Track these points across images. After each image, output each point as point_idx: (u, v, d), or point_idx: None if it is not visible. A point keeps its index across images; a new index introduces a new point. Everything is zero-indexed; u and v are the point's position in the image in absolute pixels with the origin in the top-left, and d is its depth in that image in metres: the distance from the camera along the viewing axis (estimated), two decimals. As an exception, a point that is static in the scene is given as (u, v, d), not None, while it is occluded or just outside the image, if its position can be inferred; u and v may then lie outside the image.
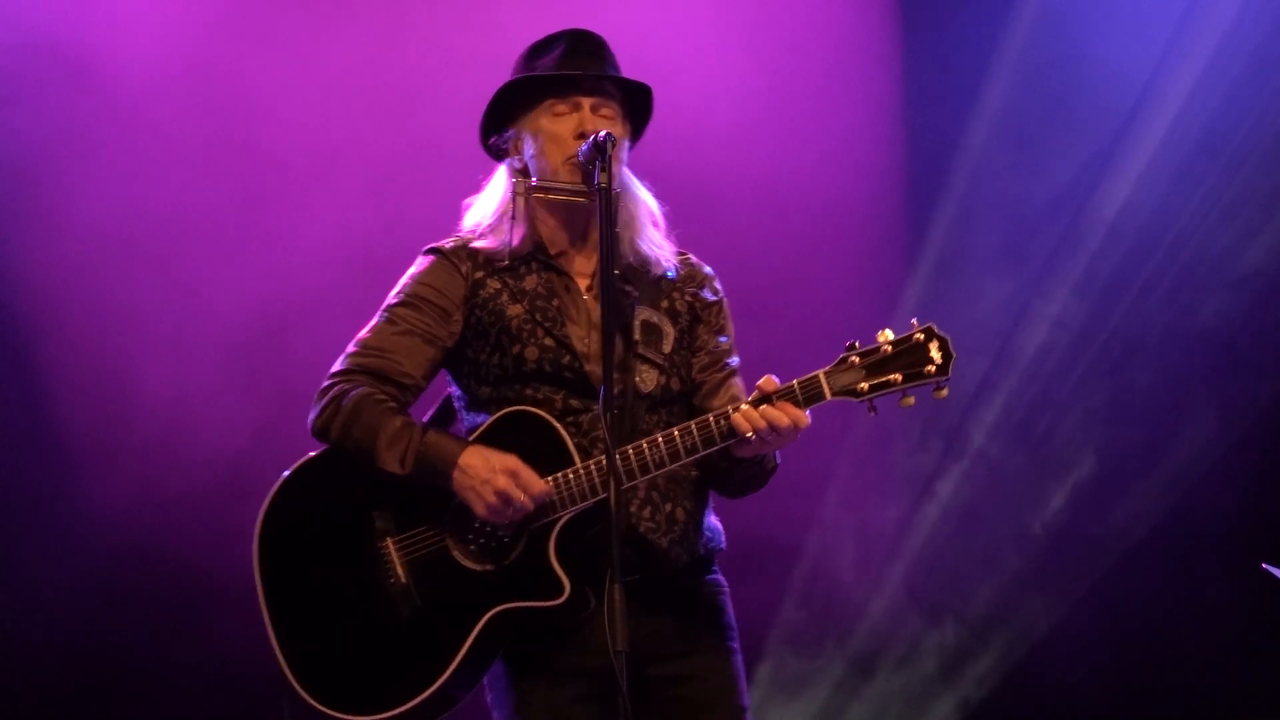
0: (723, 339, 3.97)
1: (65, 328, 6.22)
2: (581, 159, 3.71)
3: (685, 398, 3.89)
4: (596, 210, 3.61)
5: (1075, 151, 6.56)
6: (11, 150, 6.17)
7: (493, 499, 3.62)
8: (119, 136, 6.24)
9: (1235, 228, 6.44)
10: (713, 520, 3.93)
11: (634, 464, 3.64)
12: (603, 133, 3.64)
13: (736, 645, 3.89)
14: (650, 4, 6.53)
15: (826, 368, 3.60)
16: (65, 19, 6.22)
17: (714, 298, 3.99)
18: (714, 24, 6.63)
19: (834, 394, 3.58)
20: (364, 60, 6.40)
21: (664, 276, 3.93)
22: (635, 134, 3.99)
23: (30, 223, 6.21)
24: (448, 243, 3.95)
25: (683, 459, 3.65)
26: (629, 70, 3.96)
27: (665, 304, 3.92)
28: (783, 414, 3.56)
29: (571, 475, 3.66)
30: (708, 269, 4.04)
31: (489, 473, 3.63)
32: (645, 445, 3.64)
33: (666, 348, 3.86)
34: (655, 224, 3.95)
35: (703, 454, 3.65)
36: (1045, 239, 6.58)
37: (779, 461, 3.84)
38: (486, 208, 3.94)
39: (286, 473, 3.84)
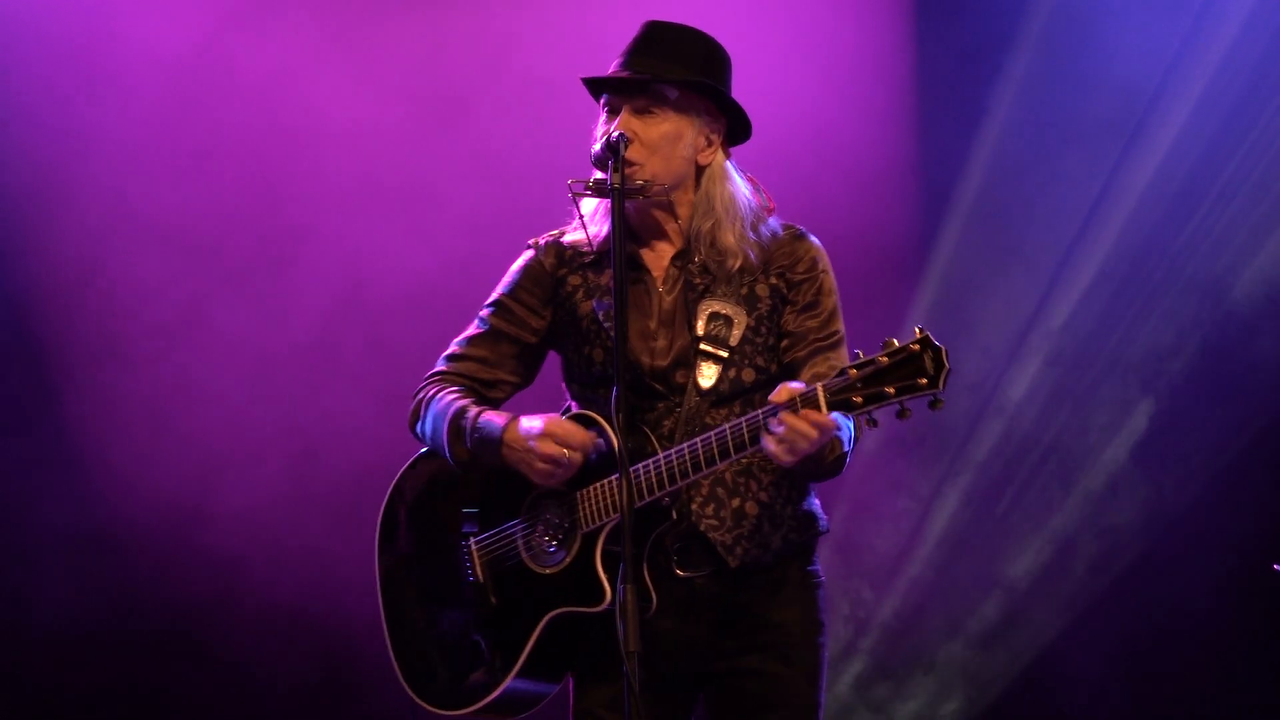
0: (813, 317, 3.82)
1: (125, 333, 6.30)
2: (594, 160, 3.71)
3: (768, 385, 3.70)
4: (667, 206, 3.71)
5: (1087, 156, 6.54)
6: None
7: (540, 465, 3.67)
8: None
9: (1246, 230, 6.42)
10: (805, 506, 3.83)
11: (661, 472, 3.60)
12: (615, 133, 3.65)
13: (823, 640, 3.81)
14: (660, 6, 6.52)
15: (827, 380, 3.46)
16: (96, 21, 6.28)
17: (806, 275, 3.84)
18: (723, 25, 6.61)
19: (831, 408, 3.44)
20: (414, 60, 6.45)
21: (749, 263, 3.82)
22: (734, 127, 3.86)
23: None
24: (544, 237, 3.97)
25: (703, 470, 3.59)
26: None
27: (744, 290, 3.82)
28: (798, 421, 3.44)
29: (616, 480, 3.60)
30: (812, 240, 3.89)
31: (529, 438, 3.67)
32: (674, 453, 3.60)
33: (734, 339, 3.78)
34: (748, 214, 3.84)
35: (718, 467, 3.60)
36: (1056, 244, 6.57)
37: (847, 449, 3.68)
38: (589, 203, 3.85)
39: (405, 465, 4.00)
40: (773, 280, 3.84)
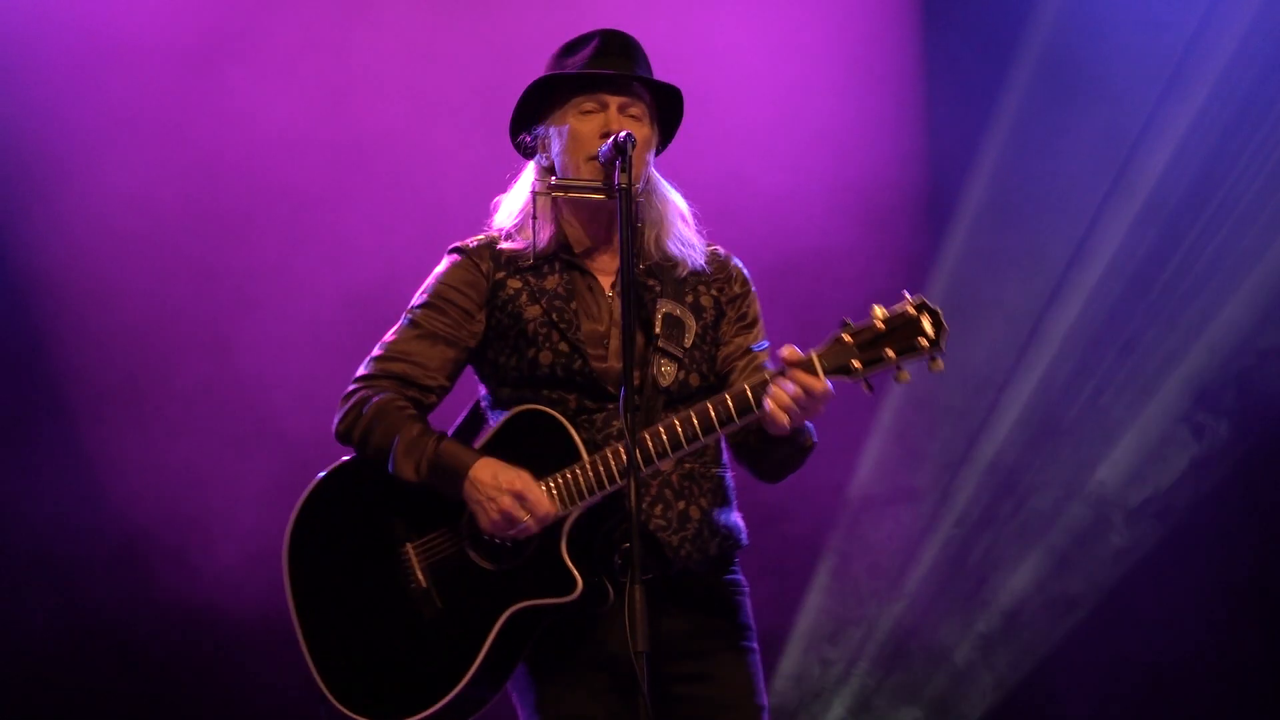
0: (748, 330, 3.95)
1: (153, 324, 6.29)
2: (602, 159, 3.71)
3: (707, 393, 3.83)
4: (626, 211, 3.63)
5: (1097, 146, 6.54)
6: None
7: (496, 516, 3.65)
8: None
9: (1261, 222, 6.42)
10: (734, 518, 3.91)
11: (651, 449, 3.63)
12: (623, 133, 3.64)
13: (754, 645, 3.88)
14: (674, 5, 6.53)
15: (818, 348, 3.57)
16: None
17: (740, 291, 3.97)
18: (734, 21, 6.63)
19: (828, 374, 3.54)
20: (411, 56, 6.44)
21: (690, 272, 3.91)
22: (666, 137, 3.98)
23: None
24: (471, 241, 3.95)
25: (700, 439, 3.63)
26: (661, 72, 3.96)
27: (690, 298, 3.90)
28: (796, 384, 3.52)
29: (579, 470, 3.67)
30: (736, 261, 4.02)
31: (495, 490, 3.64)
32: (662, 429, 3.63)
33: (687, 341, 3.84)
34: (685, 222, 3.93)
35: (721, 432, 3.63)
36: (1068, 235, 6.57)
37: (816, 440, 3.80)
38: (512, 206, 3.94)
39: (318, 476, 3.87)
40: (714, 292, 3.92)
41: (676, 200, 3.93)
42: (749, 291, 3.99)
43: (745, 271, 4.01)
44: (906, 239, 6.67)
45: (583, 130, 3.82)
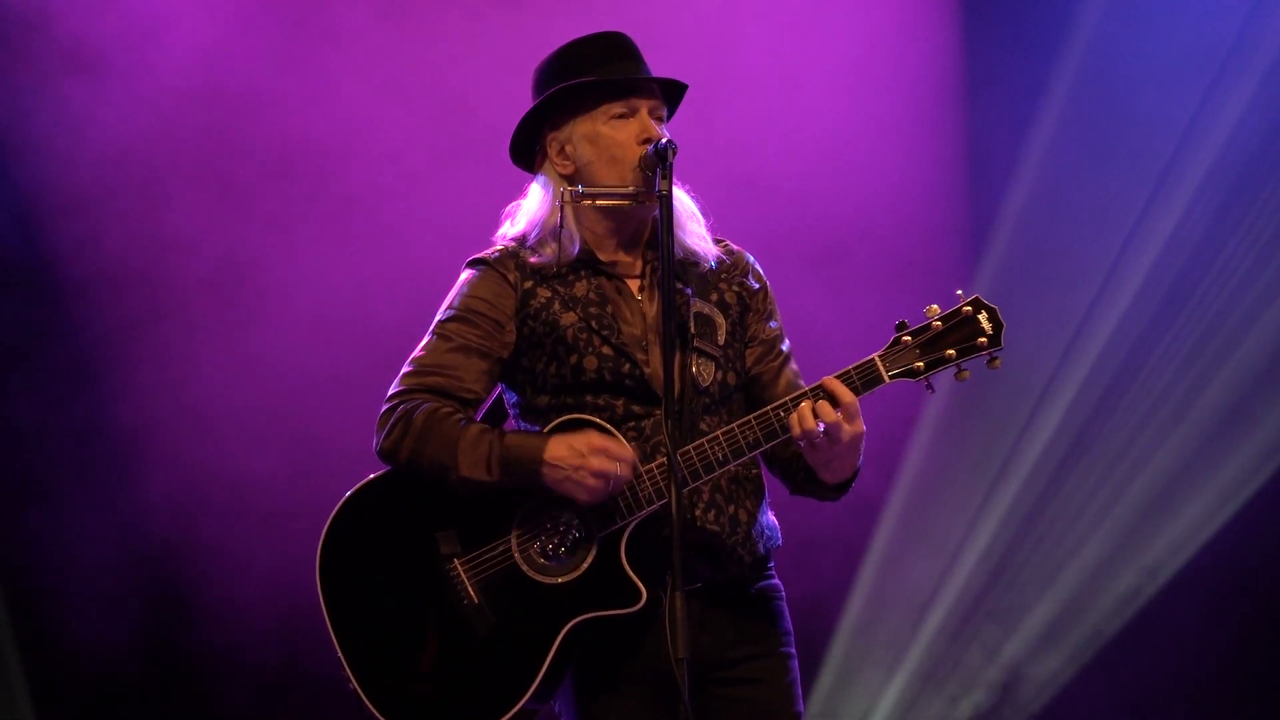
0: (772, 324, 3.94)
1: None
2: (644, 166, 3.71)
3: (743, 391, 3.86)
4: (650, 213, 3.67)
5: (1136, 159, 6.51)
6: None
7: (592, 481, 3.62)
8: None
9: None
10: (770, 518, 3.91)
11: (697, 464, 3.64)
12: (665, 139, 3.64)
13: (793, 650, 3.88)
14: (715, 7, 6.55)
15: (880, 351, 3.62)
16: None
17: (758, 285, 3.96)
18: (768, 18, 6.64)
19: (892, 376, 3.60)
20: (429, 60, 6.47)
21: (710, 269, 3.89)
22: None
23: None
24: (493, 253, 3.90)
25: (745, 455, 3.65)
26: (664, 64, 3.96)
27: (715, 296, 3.87)
28: (832, 413, 3.56)
29: (634, 481, 3.66)
30: (749, 256, 4.00)
31: (579, 458, 3.62)
32: (706, 444, 3.64)
33: (720, 340, 3.83)
34: (696, 219, 3.91)
35: (765, 447, 3.65)
36: (1105, 249, 6.54)
37: (860, 465, 3.77)
38: (534, 216, 3.88)
39: (346, 495, 3.83)
40: (735, 288, 3.91)
41: (682, 196, 3.89)
42: (765, 286, 3.96)
43: (757, 264, 3.99)
44: (940, 250, 6.67)
45: (619, 137, 3.80)
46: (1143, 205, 6.50)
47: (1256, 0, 6.40)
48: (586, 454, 3.61)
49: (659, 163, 3.60)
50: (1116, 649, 6.46)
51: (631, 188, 3.75)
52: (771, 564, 3.91)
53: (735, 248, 3.99)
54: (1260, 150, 6.40)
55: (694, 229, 3.88)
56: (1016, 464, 6.59)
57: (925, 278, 6.49)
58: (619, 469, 3.61)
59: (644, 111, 3.82)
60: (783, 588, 3.92)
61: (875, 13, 6.70)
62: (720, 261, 3.91)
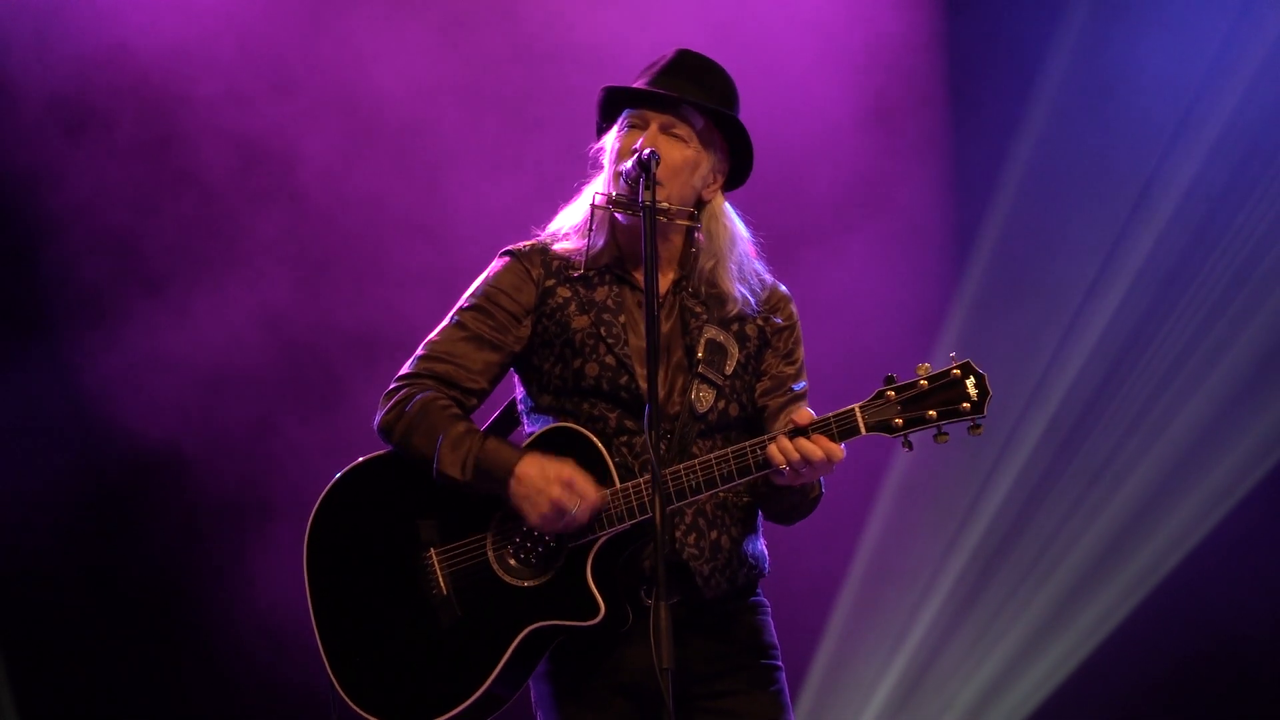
0: (790, 365, 3.93)
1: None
2: (625, 175, 3.72)
3: (745, 424, 3.86)
4: (672, 230, 3.71)
5: (1119, 176, 6.52)
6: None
7: (546, 509, 3.64)
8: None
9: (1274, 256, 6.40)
10: (759, 547, 3.91)
11: (670, 489, 3.64)
12: (647, 150, 3.64)
13: (779, 663, 3.88)
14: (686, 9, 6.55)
15: (862, 402, 3.62)
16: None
17: (784, 323, 3.95)
18: (738, 44, 6.64)
19: (869, 429, 3.61)
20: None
21: (741, 305, 3.88)
22: (740, 169, 3.93)
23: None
24: (524, 245, 3.94)
25: (719, 486, 3.66)
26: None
27: (735, 326, 3.88)
28: (816, 447, 3.58)
29: (610, 497, 3.67)
30: (783, 288, 4.00)
31: (544, 482, 3.64)
32: (683, 470, 3.65)
33: (728, 369, 3.83)
34: (742, 257, 3.91)
35: (738, 482, 3.66)
36: (1084, 269, 6.55)
37: (824, 490, 3.83)
38: (574, 215, 3.93)
39: (336, 475, 3.88)
40: (759, 321, 3.91)
41: (741, 232, 3.91)
42: (795, 325, 3.96)
43: (794, 305, 3.99)
44: (925, 272, 6.69)
45: (619, 146, 3.82)
46: (1111, 243, 6.52)
47: (1238, 16, 6.42)
48: (553, 481, 3.64)
49: (642, 173, 3.60)
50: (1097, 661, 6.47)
51: (628, 199, 3.74)
52: (759, 589, 3.91)
53: (785, 290, 3.98)
54: (1240, 166, 6.43)
55: (737, 267, 3.88)
56: (997, 479, 6.59)
57: (906, 295, 6.48)
58: (577, 510, 3.63)
59: (654, 125, 3.82)
60: (768, 604, 3.92)
61: (856, 27, 6.70)
62: (757, 298, 3.91)
